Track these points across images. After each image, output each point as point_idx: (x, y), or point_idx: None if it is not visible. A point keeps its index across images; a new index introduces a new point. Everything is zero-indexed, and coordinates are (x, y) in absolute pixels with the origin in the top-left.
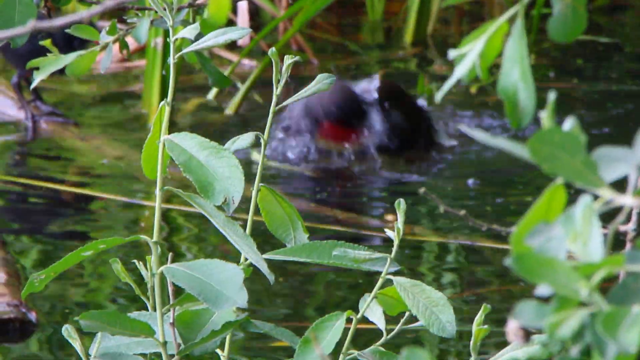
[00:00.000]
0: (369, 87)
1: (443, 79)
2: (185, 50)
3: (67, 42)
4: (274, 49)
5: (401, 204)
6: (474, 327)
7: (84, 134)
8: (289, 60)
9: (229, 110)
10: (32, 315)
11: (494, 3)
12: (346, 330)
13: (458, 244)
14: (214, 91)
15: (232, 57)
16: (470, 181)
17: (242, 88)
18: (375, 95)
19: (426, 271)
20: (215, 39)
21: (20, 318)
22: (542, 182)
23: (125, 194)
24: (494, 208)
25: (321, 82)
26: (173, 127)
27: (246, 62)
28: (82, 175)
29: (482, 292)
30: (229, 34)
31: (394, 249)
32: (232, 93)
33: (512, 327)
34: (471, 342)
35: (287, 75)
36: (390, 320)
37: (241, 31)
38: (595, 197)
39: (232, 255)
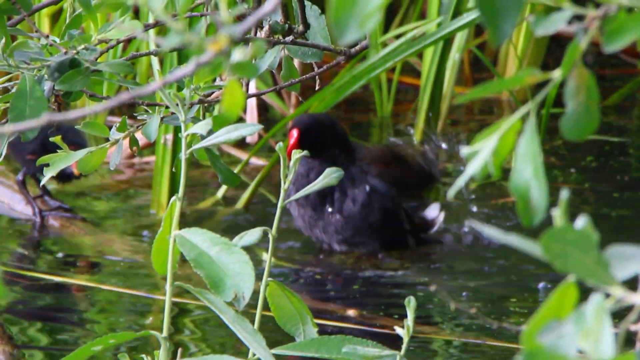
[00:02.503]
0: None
1: (450, 176)
2: (196, 146)
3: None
4: (281, 143)
5: (411, 302)
6: None
7: (92, 229)
8: (296, 155)
9: (239, 205)
10: None
11: (502, 103)
12: None
13: (468, 342)
14: (223, 189)
15: (241, 154)
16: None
17: (251, 184)
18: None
19: None
20: (227, 134)
21: None
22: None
23: (135, 288)
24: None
25: (329, 177)
26: (183, 223)
27: (253, 159)
28: (91, 269)
29: None
30: (241, 130)
31: (404, 346)
32: (241, 190)
33: None
34: None
35: (295, 171)
36: None
37: (252, 127)
38: (607, 295)
39: (242, 350)
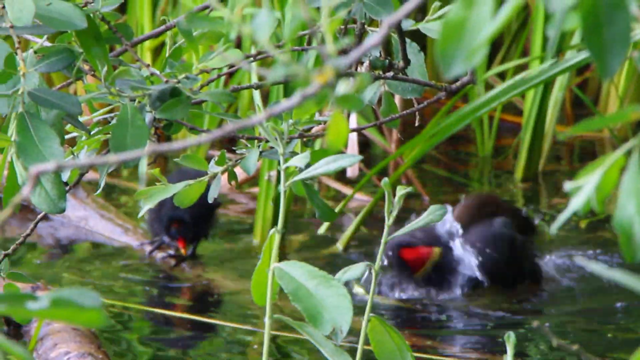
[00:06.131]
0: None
1: (553, 217)
2: (296, 178)
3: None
4: (387, 179)
5: (511, 337)
6: None
7: (195, 264)
8: (400, 191)
9: (340, 244)
10: None
11: (604, 141)
12: None
13: None
14: (325, 225)
15: (343, 189)
16: None
17: (354, 222)
18: (454, 225)
19: None
20: (327, 166)
21: None
22: None
23: (236, 320)
24: (605, 340)
25: (433, 214)
26: (283, 258)
27: (356, 195)
28: (193, 302)
29: None
30: (340, 161)
31: None
32: (343, 226)
33: None
34: None
35: (399, 207)
36: None
37: (352, 158)
38: None
39: None
